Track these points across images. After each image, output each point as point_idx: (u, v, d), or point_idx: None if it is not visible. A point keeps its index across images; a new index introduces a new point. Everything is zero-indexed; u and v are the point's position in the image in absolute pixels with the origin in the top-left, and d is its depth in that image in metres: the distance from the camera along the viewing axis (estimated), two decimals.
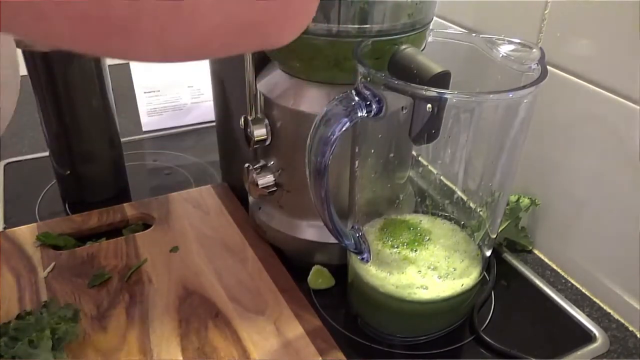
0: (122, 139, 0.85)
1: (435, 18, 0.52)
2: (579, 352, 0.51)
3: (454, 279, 0.48)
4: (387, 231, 0.51)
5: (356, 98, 0.40)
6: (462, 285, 0.48)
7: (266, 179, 0.55)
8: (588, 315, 0.55)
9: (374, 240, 0.50)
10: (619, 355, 0.51)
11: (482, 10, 0.64)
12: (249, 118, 0.54)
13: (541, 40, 0.57)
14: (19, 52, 0.53)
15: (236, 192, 0.68)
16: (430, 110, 0.40)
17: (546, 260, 0.62)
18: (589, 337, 0.53)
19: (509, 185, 0.47)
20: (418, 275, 0.48)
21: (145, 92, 0.87)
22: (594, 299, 0.57)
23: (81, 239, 0.61)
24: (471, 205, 0.50)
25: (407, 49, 0.44)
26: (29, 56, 0.59)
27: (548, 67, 0.55)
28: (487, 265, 0.52)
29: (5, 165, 0.77)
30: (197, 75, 0.89)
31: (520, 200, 0.61)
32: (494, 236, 0.50)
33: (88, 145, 0.67)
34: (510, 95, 0.40)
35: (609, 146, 0.53)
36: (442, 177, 0.50)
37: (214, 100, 0.67)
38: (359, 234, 0.47)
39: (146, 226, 0.63)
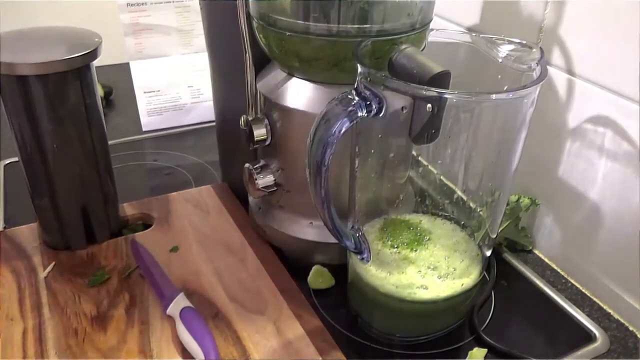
0: (122, 139, 0.86)
1: (435, 18, 0.52)
2: (579, 352, 0.51)
3: (454, 279, 0.48)
4: (387, 231, 0.51)
5: (356, 98, 0.40)
6: (462, 285, 0.48)
7: (266, 179, 0.55)
8: (588, 315, 0.55)
9: (374, 240, 0.50)
10: (619, 355, 0.51)
11: (482, 10, 0.64)
12: (249, 118, 0.54)
13: (541, 40, 0.57)
14: None
15: (236, 192, 0.68)
16: (430, 110, 0.40)
17: (546, 260, 0.62)
18: (589, 337, 0.53)
19: (509, 185, 0.47)
20: (418, 275, 0.48)
21: (145, 92, 0.87)
22: (594, 299, 0.57)
23: None
24: (471, 205, 0.50)
25: (407, 49, 0.44)
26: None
27: (548, 67, 0.55)
28: (487, 265, 0.52)
29: (5, 165, 0.77)
30: (197, 75, 0.89)
31: (520, 200, 0.61)
32: (494, 236, 0.50)
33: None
34: (510, 95, 0.40)
35: (608, 146, 0.53)
36: (442, 177, 0.50)
37: (214, 100, 0.67)
38: (359, 234, 0.47)
39: (146, 226, 0.63)
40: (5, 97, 0.51)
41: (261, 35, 0.51)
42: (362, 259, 0.47)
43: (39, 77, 0.49)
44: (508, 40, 0.47)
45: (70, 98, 0.52)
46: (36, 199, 0.57)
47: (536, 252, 0.64)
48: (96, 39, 0.53)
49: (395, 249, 0.50)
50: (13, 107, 0.51)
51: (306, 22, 0.46)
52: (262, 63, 0.55)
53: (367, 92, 0.40)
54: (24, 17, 1.04)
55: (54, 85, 0.50)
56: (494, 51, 0.47)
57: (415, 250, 0.49)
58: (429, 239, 0.51)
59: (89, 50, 0.51)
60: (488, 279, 0.58)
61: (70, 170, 0.55)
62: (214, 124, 0.71)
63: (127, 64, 0.85)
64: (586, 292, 0.58)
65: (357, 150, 0.46)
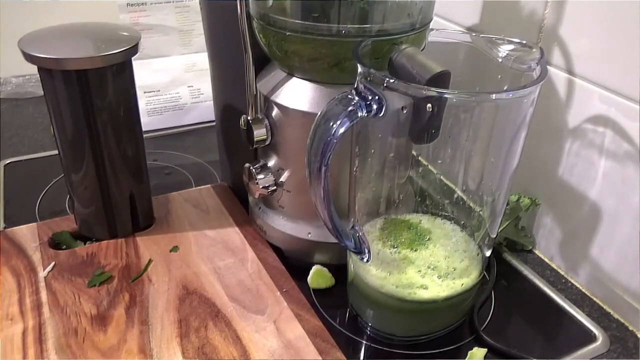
0: None
1: (435, 18, 0.52)
2: (579, 352, 0.51)
3: (453, 278, 0.48)
4: (387, 231, 0.51)
5: (356, 98, 0.40)
6: (462, 285, 0.48)
7: (266, 179, 0.55)
8: (588, 315, 0.55)
9: (374, 240, 0.50)
10: (619, 355, 0.51)
11: (482, 10, 0.64)
12: (249, 118, 0.54)
13: (541, 40, 0.57)
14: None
15: (236, 192, 0.68)
16: (430, 110, 0.40)
17: (546, 260, 0.62)
18: (589, 337, 0.53)
19: (509, 185, 0.47)
20: (418, 275, 0.48)
21: (145, 92, 0.87)
22: (594, 299, 0.57)
23: (81, 239, 0.61)
24: (471, 205, 0.50)
25: (407, 49, 0.44)
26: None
27: (548, 67, 0.55)
28: (487, 265, 0.52)
29: (5, 165, 0.77)
30: (197, 75, 0.89)
31: (520, 200, 0.61)
32: (494, 236, 0.50)
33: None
34: (510, 95, 0.40)
35: (608, 146, 0.53)
36: (442, 177, 0.50)
37: (214, 100, 0.67)
38: (359, 234, 0.47)
39: (146, 226, 0.63)
40: (58, 92, 0.52)
41: (261, 35, 0.51)
42: (362, 259, 0.47)
43: (95, 70, 0.51)
44: (508, 40, 0.47)
45: (120, 88, 0.54)
46: (81, 192, 0.58)
47: (536, 252, 0.64)
48: (135, 35, 0.55)
49: (395, 249, 0.50)
50: (67, 101, 0.52)
51: (306, 22, 0.46)
52: (262, 63, 0.55)
53: (367, 92, 0.40)
54: (24, 17, 1.04)
55: (104, 77, 0.52)
56: (494, 51, 0.47)
57: (415, 250, 0.49)
58: (429, 239, 0.51)
59: (134, 44, 0.53)
60: (488, 279, 0.58)
61: (119, 159, 0.58)
62: (214, 124, 0.71)
63: None
64: (586, 292, 0.58)
65: (357, 150, 0.46)
